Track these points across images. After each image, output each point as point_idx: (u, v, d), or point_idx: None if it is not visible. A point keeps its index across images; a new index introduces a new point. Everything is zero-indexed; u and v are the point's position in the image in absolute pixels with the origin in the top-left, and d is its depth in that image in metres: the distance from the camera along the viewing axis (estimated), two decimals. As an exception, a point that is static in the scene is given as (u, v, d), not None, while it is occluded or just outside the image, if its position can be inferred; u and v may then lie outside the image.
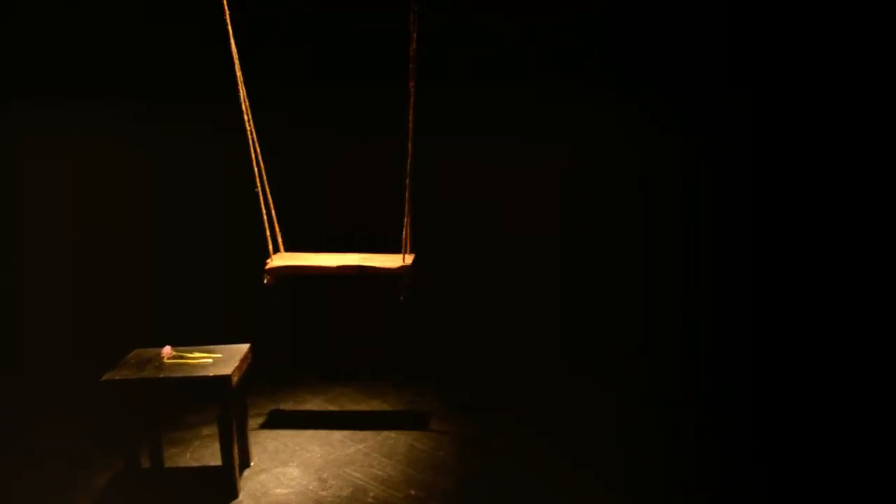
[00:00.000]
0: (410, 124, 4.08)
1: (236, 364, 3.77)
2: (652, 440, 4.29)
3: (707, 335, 5.43)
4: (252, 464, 4.10)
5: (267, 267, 4.28)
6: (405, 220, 4.20)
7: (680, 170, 5.54)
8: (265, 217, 4.37)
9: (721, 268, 5.53)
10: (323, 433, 4.49)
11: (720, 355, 5.28)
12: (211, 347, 3.96)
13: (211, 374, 3.66)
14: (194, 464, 4.17)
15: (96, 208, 5.61)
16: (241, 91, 4.16)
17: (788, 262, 5.32)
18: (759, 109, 5.31)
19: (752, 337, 5.33)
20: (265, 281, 4.26)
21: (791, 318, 5.25)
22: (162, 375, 3.65)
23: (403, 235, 4.23)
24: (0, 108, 5.22)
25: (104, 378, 3.64)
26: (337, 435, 4.46)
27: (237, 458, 3.83)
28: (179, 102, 5.40)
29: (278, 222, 4.46)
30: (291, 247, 4.56)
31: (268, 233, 4.39)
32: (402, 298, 4.20)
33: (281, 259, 4.39)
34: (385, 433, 4.47)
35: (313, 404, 4.95)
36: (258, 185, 4.31)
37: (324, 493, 3.79)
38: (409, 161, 4.12)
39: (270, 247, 4.41)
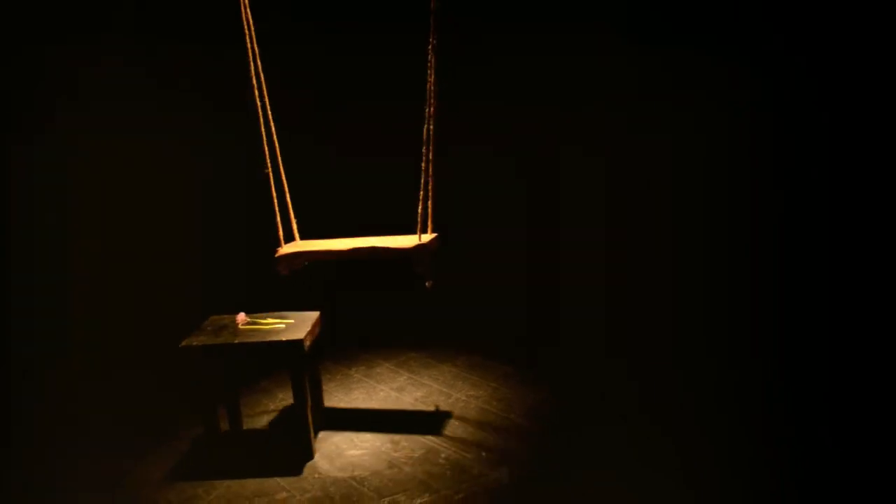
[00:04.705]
0: (432, 78, 3.73)
1: (308, 329, 3.84)
2: (732, 415, 4.07)
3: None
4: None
5: (276, 255, 4.09)
6: (422, 192, 3.88)
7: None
8: (276, 202, 4.13)
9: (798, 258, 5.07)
10: (394, 396, 4.56)
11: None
12: (283, 314, 4.05)
13: (284, 339, 3.74)
14: (270, 427, 4.28)
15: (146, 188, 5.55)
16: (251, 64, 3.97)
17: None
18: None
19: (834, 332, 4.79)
20: (280, 271, 4.09)
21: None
22: (237, 341, 3.76)
23: (419, 211, 3.90)
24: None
25: (183, 344, 3.76)
26: (408, 398, 4.53)
27: (311, 420, 3.92)
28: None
29: (293, 209, 4.27)
30: (310, 235, 4.36)
31: (278, 219, 4.17)
32: (428, 284, 3.95)
33: (293, 247, 4.16)
34: (455, 396, 4.50)
35: (384, 368, 5.02)
36: (268, 166, 4.08)
37: (396, 454, 3.85)
38: (429, 121, 3.78)
39: (281, 234, 4.21)
